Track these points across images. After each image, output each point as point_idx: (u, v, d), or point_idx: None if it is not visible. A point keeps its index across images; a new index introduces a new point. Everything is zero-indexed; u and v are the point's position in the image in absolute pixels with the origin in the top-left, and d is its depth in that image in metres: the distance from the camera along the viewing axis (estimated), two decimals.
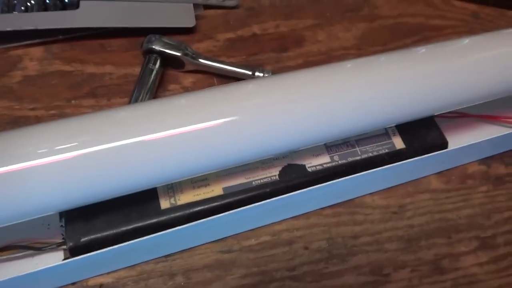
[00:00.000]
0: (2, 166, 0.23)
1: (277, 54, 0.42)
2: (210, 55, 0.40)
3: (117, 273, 0.30)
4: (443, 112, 0.32)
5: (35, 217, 0.25)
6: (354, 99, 0.28)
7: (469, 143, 0.33)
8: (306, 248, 0.32)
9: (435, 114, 0.33)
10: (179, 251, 0.31)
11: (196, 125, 0.25)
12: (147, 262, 0.30)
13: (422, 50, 0.30)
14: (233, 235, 0.32)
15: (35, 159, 0.24)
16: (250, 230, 0.32)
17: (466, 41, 0.30)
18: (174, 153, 0.25)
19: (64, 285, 0.29)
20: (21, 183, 0.24)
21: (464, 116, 0.36)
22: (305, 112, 0.27)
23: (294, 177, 0.30)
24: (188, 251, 0.31)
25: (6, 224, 0.25)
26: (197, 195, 0.28)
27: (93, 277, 0.30)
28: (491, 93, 0.32)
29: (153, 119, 0.25)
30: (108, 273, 0.30)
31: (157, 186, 0.28)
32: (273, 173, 0.30)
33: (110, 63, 0.40)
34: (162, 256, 0.31)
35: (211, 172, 0.29)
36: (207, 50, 0.41)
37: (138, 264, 0.30)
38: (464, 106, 0.32)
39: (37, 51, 0.40)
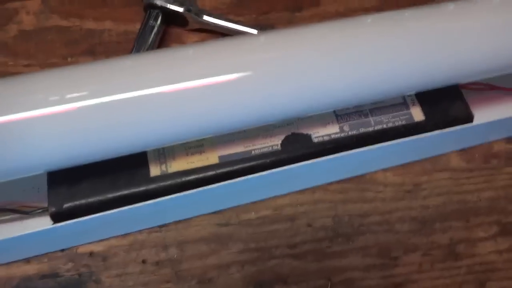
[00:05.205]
0: None
1: (290, 13, 0.38)
2: (217, 12, 0.37)
3: (108, 242, 0.29)
4: (471, 80, 0.29)
5: (16, 177, 0.24)
6: (369, 58, 0.25)
7: (497, 119, 0.30)
8: (309, 225, 0.30)
9: (461, 82, 0.29)
10: (174, 222, 0.29)
11: (189, 82, 0.23)
12: (140, 231, 0.29)
13: (451, 6, 0.26)
14: (232, 207, 0.30)
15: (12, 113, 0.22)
16: (251, 203, 0.30)
17: None
18: (168, 110, 0.23)
19: (53, 252, 0.28)
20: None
21: (494, 88, 0.33)
22: (313, 70, 0.24)
23: (297, 148, 0.27)
24: (184, 222, 0.30)
25: None
26: (191, 162, 0.26)
27: (83, 244, 0.29)
28: None
29: (141, 74, 0.23)
30: (99, 241, 0.29)
31: (148, 149, 0.26)
32: (274, 142, 0.27)
33: (109, 19, 0.37)
34: (156, 226, 0.29)
35: (207, 136, 0.26)
36: (214, 7, 0.38)
37: (130, 233, 0.29)
38: (495, 75, 0.29)
39: (34, 4, 0.38)
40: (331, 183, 0.31)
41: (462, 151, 0.33)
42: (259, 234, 0.29)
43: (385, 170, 0.32)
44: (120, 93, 0.23)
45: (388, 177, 0.32)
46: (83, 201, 0.25)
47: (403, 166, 0.32)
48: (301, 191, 0.31)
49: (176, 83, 0.24)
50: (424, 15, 0.27)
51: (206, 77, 0.24)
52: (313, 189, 0.31)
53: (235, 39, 0.26)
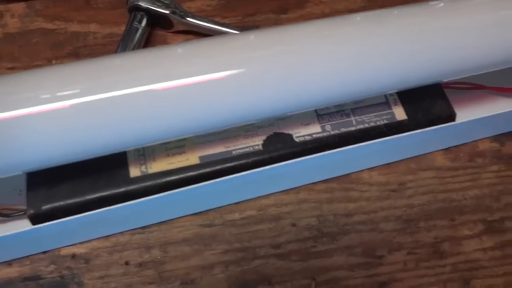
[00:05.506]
0: None
1: (276, 15, 0.38)
2: (203, 15, 0.37)
3: (91, 244, 0.29)
4: (454, 78, 0.29)
5: None
6: (351, 57, 0.25)
7: (480, 117, 0.30)
8: (293, 225, 0.30)
9: (444, 80, 0.29)
10: (157, 223, 0.29)
11: (169, 82, 0.23)
12: (122, 233, 0.29)
13: (440, 4, 0.26)
14: (216, 208, 0.30)
15: None
16: (235, 203, 0.30)
17: None
18: (148, 109, 0.23)
19: (34, 254, 0.28)
20: None
21: (478, 88, 0.33)
22: (294, 69, 0.24)
23: (279, 148, 0.27)
24: (167, 223, 0.29)
25: None
26: (171, 163, 0.26)
27: (65, 246, 0.28)
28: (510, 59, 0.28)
29: (121, 74, 0.23)
30: (81, 243, 0.28)
31: (129, 148, 0.26)
32: (256, 142, 0.27)
33: (95, 22, 0.37)
34: (138, 228, 0.29)
35: (189, 135, 0.26)
36: (200, 9, 0.38)
37: (113, 234, 0.29)
38: (478, 73, 0.29)
39: (18, 7, 0.38)
40: (316, 183, 0.31)
41: (447, 150, 0.33)
42: (243, 234, 0.29)
43: (370, 169, 0.32)
44: (99, 92, 0.23)
45: (373, 176, 0.32)
46: (62, 203, 0.25)
47: (388, 165, 0.32)
48: (286, 191, 0.31)
49: (155, 82, 0.24)
50: (407, 14, 0.27)
51: (186, 77, 0.24)
52: (297, 189, 0.31)
53: (215, 39, 0.26)
